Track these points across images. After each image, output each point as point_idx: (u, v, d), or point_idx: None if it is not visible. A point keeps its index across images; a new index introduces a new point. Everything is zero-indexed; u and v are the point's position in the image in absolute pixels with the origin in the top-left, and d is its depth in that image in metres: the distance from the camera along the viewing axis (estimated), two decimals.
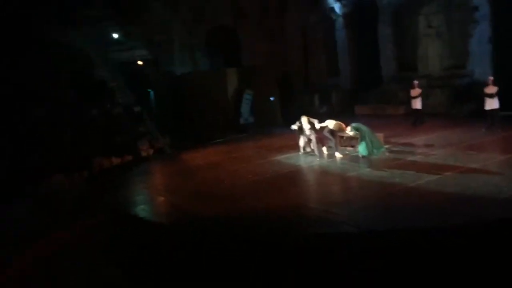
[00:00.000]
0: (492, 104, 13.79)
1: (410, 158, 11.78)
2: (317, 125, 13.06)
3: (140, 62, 22.02)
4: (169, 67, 22.98)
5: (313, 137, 13.17)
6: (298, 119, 13.32)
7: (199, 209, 9.55)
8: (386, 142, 13.33)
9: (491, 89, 13.83)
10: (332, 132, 12.79)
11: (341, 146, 13.42)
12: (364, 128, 12.17)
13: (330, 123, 12.81)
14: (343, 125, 12.68)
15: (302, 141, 13.40)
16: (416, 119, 16.21)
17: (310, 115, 13.68)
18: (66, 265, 8.40)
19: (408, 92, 16.70)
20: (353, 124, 12.33)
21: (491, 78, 14.15)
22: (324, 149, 13.20)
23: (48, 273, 8.21)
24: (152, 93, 22.17)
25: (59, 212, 10.71)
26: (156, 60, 22.35)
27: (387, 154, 12.17)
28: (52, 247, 9.16)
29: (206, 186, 11.35)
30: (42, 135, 14.20)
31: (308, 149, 13.40)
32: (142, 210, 10.16)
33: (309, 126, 13.11)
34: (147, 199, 11.12)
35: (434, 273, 6.39)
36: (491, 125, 13.81)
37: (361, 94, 21.81)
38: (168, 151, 16.72)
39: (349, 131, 12.44)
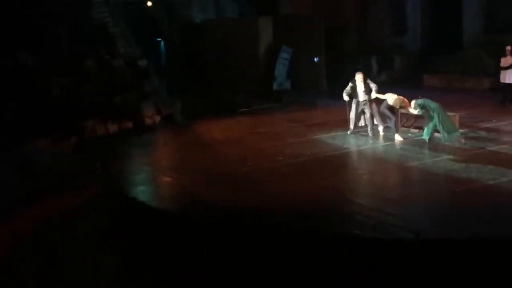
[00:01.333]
0: None
1: (493, 148, 11.59)
2: (374, 93, 12.95)
3: (149, 4, 22.06)
4: (186, 11, 22.96)
5: (367, 108, 13.07)
6: (351, 79, 13.23)
7: (212, 195, 9.63)
8: (462, 125, 13.08)
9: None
10: (391, 108, 12.67)
11: (403, 126, 13.25)
12: (433, 105, 12.01)
13: (390, 98, 12.69)
14: (406, 101, 12.55)
15: (353, 113, 13.31)
16: (506, 97, 15.92)
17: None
18: (48, 245, 8.63)
19: (497, 61, 16.32)
20: (419, 100, 12.17)
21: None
22: (381, 129, 13.11)
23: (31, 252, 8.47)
24: (162, 44, 22.25)
25: (40, 183, 10.92)
26: (170, 3, 22.35)
27: (462, 141, 12.00)
28: (32, 221, 9.39)
29: (224, 167, 11.42)
30: (24, 87, 14.35)
31: (360, 124, 13.35)
32: (142, 191, 10.31)
33: (363, 89, 13.02)
34: (149, 179, 11.26)
35: None
36: None
37: (433, 60, 21.43)
38: (178, 119, 16.84)
39: (413, 109, 12.31)
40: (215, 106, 18.46)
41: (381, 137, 12.98)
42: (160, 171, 11.67)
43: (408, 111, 12.62)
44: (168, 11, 22.41)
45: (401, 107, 12.66)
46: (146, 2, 21.98)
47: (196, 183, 10.44)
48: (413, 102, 12.31)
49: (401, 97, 12.73)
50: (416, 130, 12.96)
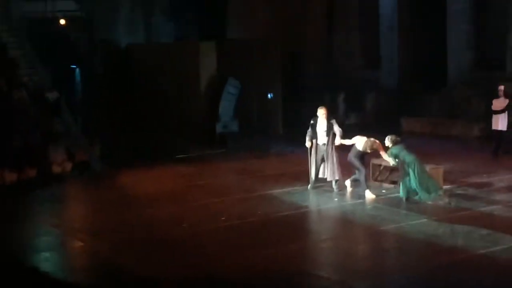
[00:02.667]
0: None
1: (484, 208, 11.83)
2: (339, 139, 13.07)
3: (63, 22, 22.01)
4: (110, 33, 22.98)
5: (330, 154, 13.15)
6: (313, 117, 13.36)
7: (138, 266, 9.50)
8: (448, 181, 13.36)
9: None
10: (362, 157, 12.82)
11: (376, 181, 13.39)
12: (408, 159, 12.23)
13: (359, 141, 12.85)
14: (379, 143, 12.73)
15: (313, 161, 13.38)
16: (499, 146, 16.30)
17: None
18: None
19: (489, 103, 16.85)
20: (394, 149, 12.38)
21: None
22: (348, 182, 13.23)
23: None
24: (78, 71, 22.14)
25: None
26: (89, 21, 22.36)
27: (446, 200, 12.22)
28: None
29: (152, 229, 11.33)
30: None
31: (321, 175, 13.41)
32: (46, 259, 10.14)
33: (325, 128, 13.14)
34: (56, 244, 11.07)
35: None
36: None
37: (414, 101, 21.90)
38: (96, 168, 16.67)
39: (386, 157, 12.51)
40: (144, 151, 18.42)
41: (348, 193, 13.09)
42: (70, 234, 11.50)
43: (382, 159, 12.79)
44: (88, 31, 22.39)
45: (372, 150, 12.81)
46: (59, 20, 21.90)
47: (115, 250, 10.31)
48: (387, 141, 12.45)
49: (371, 138, 12.89)
50: (392, 186, 13.14)
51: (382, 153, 12.62)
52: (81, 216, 13.11)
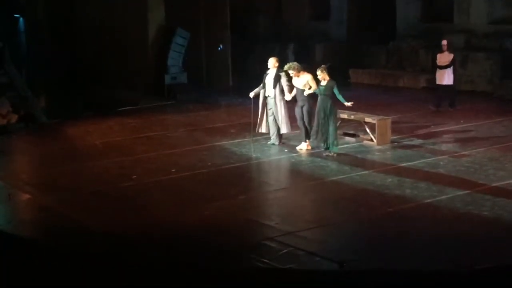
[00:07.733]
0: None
1: (429, 159, 12.06)
2: (288, 95, 12.84)
3: None
4: None
5: (275, 107, 12.93)
6: (264, 72, 13.13)
7: (88, 219, 9.47)
8: (395, 132, 13.58)
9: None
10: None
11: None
12: (334, 109, 12.23)
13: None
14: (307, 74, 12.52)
15: (261, 112, 13.20)
16: (441, 101, 16.44)
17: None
18: None
19: (434, 56, 17.02)
20: (333, 83, 12.12)
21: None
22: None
23: None
24: (22, 21, 21.63)
25: None
26: None
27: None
28: None
29: (101, 181, 11.29)
30: None
31: (266, 130, 13.28)
32: None
33: (272, 80, 12.80)
34: (2, 196, 10.91)
35: None
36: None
37: (362, 53, 22.06)
38: (42, 120, 16.46)
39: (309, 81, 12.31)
40: (92, 103, 18.21)
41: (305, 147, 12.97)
42: (16, 186, 11.36)
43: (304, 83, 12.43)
44: None
45: (287, 72, 12.48)
46: None
47: (64, 203, 10.25)
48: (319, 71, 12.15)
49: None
50: (353, 139, 13.28)
51: (309, 80, 12.40)
52: (27, 169, 12.99)
